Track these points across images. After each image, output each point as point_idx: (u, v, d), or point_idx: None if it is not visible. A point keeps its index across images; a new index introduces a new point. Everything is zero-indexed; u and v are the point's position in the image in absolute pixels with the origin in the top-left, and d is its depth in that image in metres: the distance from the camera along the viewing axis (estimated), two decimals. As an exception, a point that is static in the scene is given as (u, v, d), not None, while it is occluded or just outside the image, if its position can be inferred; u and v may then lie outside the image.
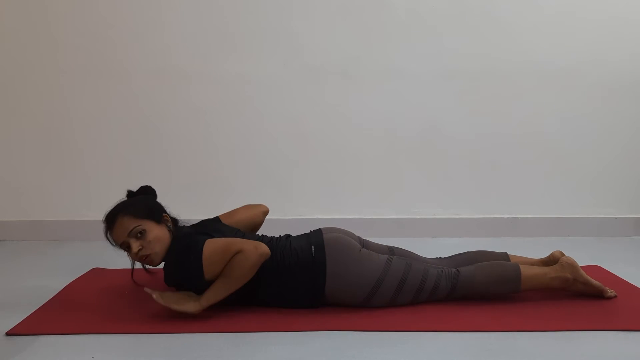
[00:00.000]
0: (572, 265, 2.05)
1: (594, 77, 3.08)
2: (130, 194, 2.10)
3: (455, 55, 3.05)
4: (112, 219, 1.97)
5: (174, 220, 2.10)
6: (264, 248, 1.88)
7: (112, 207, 2.01)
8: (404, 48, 3.04)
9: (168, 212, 2.08)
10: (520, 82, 3.08)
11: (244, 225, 2.20)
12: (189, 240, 1.94)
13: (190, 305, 1.88)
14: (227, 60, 3.02)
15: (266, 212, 2.31)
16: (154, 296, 1.86)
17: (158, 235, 1.96)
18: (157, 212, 2.01)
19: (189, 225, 2.10)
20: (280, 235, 2.14)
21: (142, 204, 2.02)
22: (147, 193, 2.12)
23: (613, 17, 3.03)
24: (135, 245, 1.93)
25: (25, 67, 3.00)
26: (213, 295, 1.88)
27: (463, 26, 3.03)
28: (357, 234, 2.18)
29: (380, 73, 3.05)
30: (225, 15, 3.00)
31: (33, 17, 2.96)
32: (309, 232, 2.14)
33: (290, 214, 3.06)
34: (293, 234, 2.18)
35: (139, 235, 1.93)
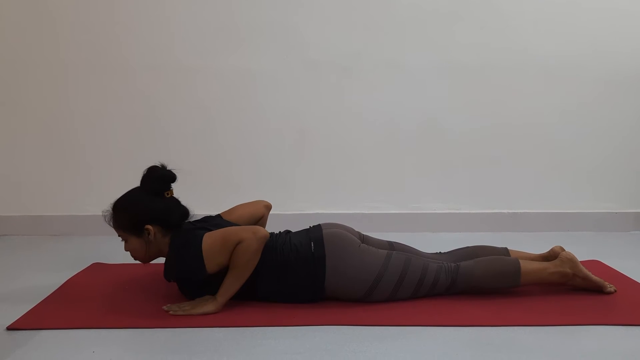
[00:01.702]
0: (571, 260, 2.05)
1: (594, 70, 3.07)
2: (146, 175, 2.03)
3: (455, 49, 3.04)
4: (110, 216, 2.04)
5: (183, 214, 2.05)
6: (262, 232, 1.89)
7: (115, 200, 2.02)
8: (405, 42, 3.04)
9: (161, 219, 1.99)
10: (521, 76, 3.07)
11: (245, 220, 2.19)
12: (188, 235, 1.95)
13: (209, 306, 1.90)
14: (229, 56, 3.02)
15: (269, 207, 2.30)
16: (171, 312, 1.90)
17: (135, 247, 2.01)
18: (138, 227, 1.97)
19: (191, 221, 2.10)
20: (280, 231, 2.15)
21: (128, 215, 1.99)
22: (161, 180, 2.02)
23: (613, 10, 3.02)
24: (124, 246, 2.04)
25: (27, 62, 3.00)
26: (227, 289, 1.91)
27: (463, 20, 3.03)
28: (356, 229, 2.18)
29: (380, 68, 3.05)
30: (227, 11, 2.99)
31: (36, 13, 2.95)
32: (308, 227, 2.14)
33: (291, 209, 3.06)
34: (293, 229, 2.18)
35: (124, 240, 2.03)
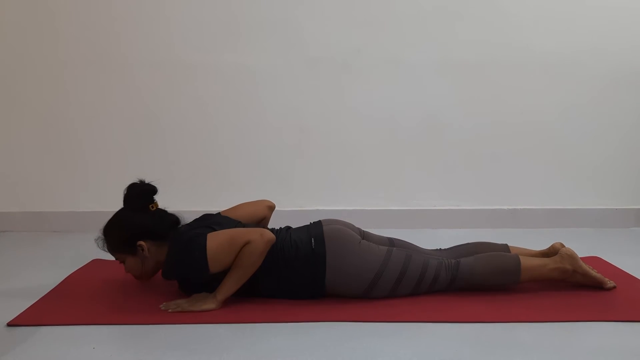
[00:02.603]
0: (571, 257, 2.05)
1: (594, 67, 3.07)
2: (127, 194, 2.03)
3: (455, 46, 3.04)
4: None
5: (173, 222, 2.05)
6: (269, 234, 1.89)
7: (104, 225, 2.04)
8: (405, 39, 3.03)
9: (147, 234, 1.99)
10: (521, 73, 3.07)
11: (245, 220, 2.18)
12: (188, 235, 1.94)
13: (208, 303, 1.90)
14: (228, 52, 3.01)
15: (272, 207, 2.28)
16: (170, 310, 1.90)
17: (131, 266, 2.03)
18: (130, 246, 1.98)
19: (188, 222, 2.08)
20: (280, 227, 2.14)
21: (117, 236, 2.00)
22: (142, 195, 2.02)
23: (614, 7, 3.02)
24: (124, 268, 2.06)
25: (26, 59, 2.99)
26: (227, 288, 1.91)
27: (463, 17, 3.02)
28: (357, 226, 2.18)
29: (380, 64, 3.04)
30: (226, 7, 2.98)
31: (35, 9, 2.95)
32: (309, 224, 2.14)
33: (291, 205, 3.05)
34: (293, 226, 2.17)
35: (121, 262, 2.05)
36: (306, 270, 1.96)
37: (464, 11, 3.02)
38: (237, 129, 3.08)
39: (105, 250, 2.05)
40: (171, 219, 2.06)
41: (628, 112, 3.12)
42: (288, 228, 2.14)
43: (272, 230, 2.09)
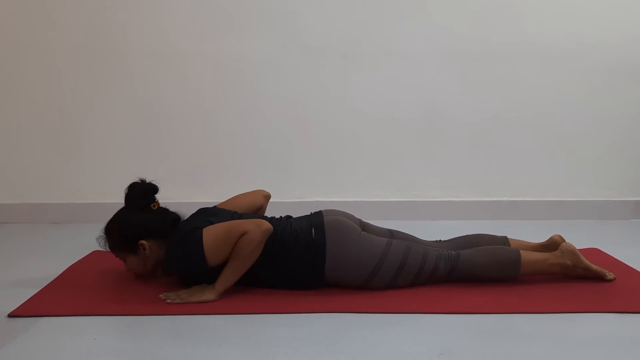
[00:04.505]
0: (572, 252, 2.05)
1: (595, 59, 3.06)
2: (128, 193, 2.03)
3: (456, 37, 3.03)
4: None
5: (174, 221, 2.05)
6: (265, 224, 1.89)
7: (105, 224, 2.05)
8: (405, 29, 3.02)
9: (148, 235, 2.00)
10: (522, 64, 3.06)
11: (243, 209, 2.19)
12: (184, 231, 1.94)
13: (207, 294, 1.90)
14: (225, 42, 3.00)
15: (267, 196, 2.30)
16: (169, 301, 1.90)
17: (132, 265, 2.05)
18: (132, 245, 1.99)
19: (186, 218, 2.09)
20: (281, 216, 2.14)
21: (119, 236, 2.02)
22: (143, 194, 2.03)
23: (615, -1, 3.01)
24: (125, 267, 2.08)
25: (21, 48, 2.98)
26: (226, 279, 1.91)
27: (464, 7, 3.01)
28: (357, 217, 2.18)
29: (380, 54, 3.03)
30: (224, -4, 2.97)
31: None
32: (309, 213, 2.14)
33: (290, 196, 3.06)
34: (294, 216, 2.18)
35: (122, 260, 2.07)
36: (306, 258, 1.96)
37: (465, 2, 3.00)
38: (236, 120, 3.07)
39: (106, 249, 2.06)
40: (173, 217, 2.07)
41: (629, 104, 3.11)
42: (288, 217, 2.14)
43: (272, 219, 2.09)
